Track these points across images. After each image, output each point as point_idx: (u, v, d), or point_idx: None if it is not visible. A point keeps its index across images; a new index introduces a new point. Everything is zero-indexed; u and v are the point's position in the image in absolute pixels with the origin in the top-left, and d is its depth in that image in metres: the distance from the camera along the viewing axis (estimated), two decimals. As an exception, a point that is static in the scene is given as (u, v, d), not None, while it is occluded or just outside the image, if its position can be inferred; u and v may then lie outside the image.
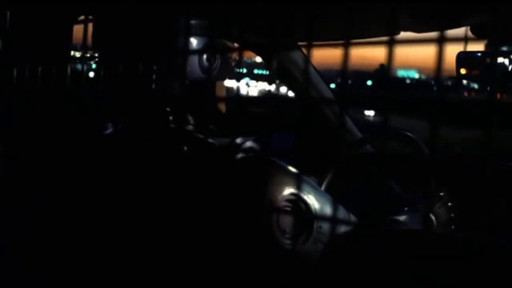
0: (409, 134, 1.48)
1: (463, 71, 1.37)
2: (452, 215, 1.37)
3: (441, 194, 1.38)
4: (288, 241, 0.93)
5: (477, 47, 1.36)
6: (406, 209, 1.30)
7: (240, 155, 1.03)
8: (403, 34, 1.14)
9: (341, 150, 1.63)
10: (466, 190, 1.47)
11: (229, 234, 0.95)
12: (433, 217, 1.31)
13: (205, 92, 1.23)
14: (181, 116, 1.14)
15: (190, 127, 1.14)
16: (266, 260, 0.94)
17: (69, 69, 1.12)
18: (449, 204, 1.38)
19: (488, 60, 1.29)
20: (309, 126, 1.81)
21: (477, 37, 0.99)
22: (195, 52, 1.13)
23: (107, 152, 1.10)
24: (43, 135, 1.15)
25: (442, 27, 0.50)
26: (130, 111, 1.16)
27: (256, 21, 1.25)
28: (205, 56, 1.15)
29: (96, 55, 1.19)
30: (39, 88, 1.12)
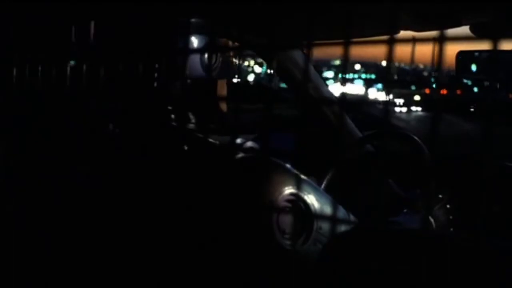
0: (409, 134, 1.48)
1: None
2: (451, 217, 1.37)
3: (440, 196, 1.37)
4: (287, 241, 0.92)
5: (477, 46, 1.36)
6: (405, 210, 1.30)
7: (240, 155, 1.03)
8: (403, 33, 1.13)
9: (341, 150, 1.63)
10: (465, 191, 1.47)
11: (229, 234, 0.94)
12: (431, 219, 1.30)
13: (206, 91, 1.23)
14: (183, 115, 1.13)
15: (191, 126, 1.14)
16: (266, 260, 0.93)
17: (69, 69, 1.12)
18: (448, 206, 1.37)
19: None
20: (309, 126, 1.81)
21: (477, 36, 0.99)
22: (196, 51, 1.13)
23: (108, 151, 1.10)
24: (43, 135, 1.15)
25: (442, 26, 0.50)
26: (131, 110, 1.16)
27: (256, 21, 1.25)
28: (206, 55, 1.15)
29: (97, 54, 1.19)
30: (39, 88, 1.12)
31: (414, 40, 0.56)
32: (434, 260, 0.71)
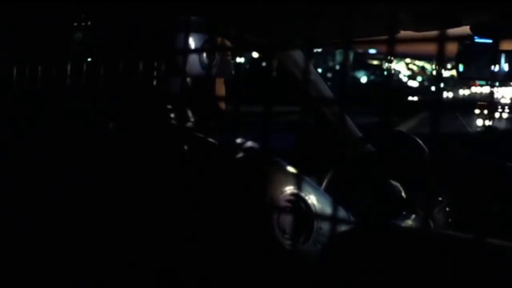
0: (410, 134, 1.48)
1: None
2: (450, 220, 1.37)
3: (440, 199, 1.37)
4: (288, 241, 0.93)
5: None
6: (404, 213, 1.30)
7: (240, 155, 1.03)
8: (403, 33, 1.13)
9: (341, 150, 1.63)
10: (466, 192, 1.46)
11: (229, 234, 0.94)
12: (431, 222, 1.30)
13: (205, 90, 1.23)
14: (182, 114, 1.13)
15: (190, 125, 1.14)
16: (266, 259, 0.93)
17: (69, 69, 1.12)
18: (447, 209, 1.37)
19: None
20: (310, 126, 1.81)
21: (477, 36, 0.99)
22: (195, 50, 1.13)
23: (106, 150, 1.10)
24: (43, 134, 1.15)
25: (442, 26, 0.50)
26: (130, 109, 1.16)
27: (256, 21, 1.25)
28: (204, 53, 1.15)
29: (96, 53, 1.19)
30: (39, 88, 1.12)
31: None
32: (433, 260, 0.71)
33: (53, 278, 1.07)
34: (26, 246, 1.10)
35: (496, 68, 1.33)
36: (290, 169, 0.99)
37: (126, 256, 1.01)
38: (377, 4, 0.92)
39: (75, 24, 1.17)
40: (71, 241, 1.06)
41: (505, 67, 1.33)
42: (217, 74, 1.20)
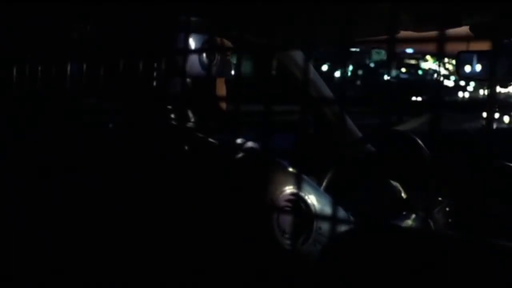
0: (410, 134, 1.48)
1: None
2: (450, 220, 1.37)
3: (440, 199, 1.37)
4: (287, 241, 0.93)
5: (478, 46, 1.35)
6: (404, 213, 1.30)
7: (240, 155, 1.03)
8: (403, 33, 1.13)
9: (341, 150, 1.63)
10: (465, 192, 1.46)
11: (229, 234, 0.94)
12: (431, 222, 1.30)
13: (206, 90, 1.23)
14: (182, 114, 1.13)
15: (191, 125, 1.14)
16: (266, 259, 0.94)
17: (69, 68, 1.12)
18: (447, 209, 1.37)
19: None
20: (309, 126, 1.81)
21: (477, 37, 1.00)
22: (195, 50, 1.13)
23: (107, 150, 1.10)
24: (43, 134, 1.15)
25: (442, 26, 0.50)
26: (131, 109, 1.16)
27: (256, 21, 1.25)
28: (204, 53, 1.15)
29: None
30: (39, 88, 1.13)
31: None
32: (433, 261, 0.71)
33: (53, 278, 1.07)
34: (26, 246, 1.10)
35: (468, 69, 1.33)
36: (290, 169, 0.99)
37: (126, 256, 1.01)
38: (377, 4, 0.92)
39: (75, 24, 1.17)
40: (71, 241, 1.06)
41: (477, 67, 1.34)
42: (217, 74, 1.20)
